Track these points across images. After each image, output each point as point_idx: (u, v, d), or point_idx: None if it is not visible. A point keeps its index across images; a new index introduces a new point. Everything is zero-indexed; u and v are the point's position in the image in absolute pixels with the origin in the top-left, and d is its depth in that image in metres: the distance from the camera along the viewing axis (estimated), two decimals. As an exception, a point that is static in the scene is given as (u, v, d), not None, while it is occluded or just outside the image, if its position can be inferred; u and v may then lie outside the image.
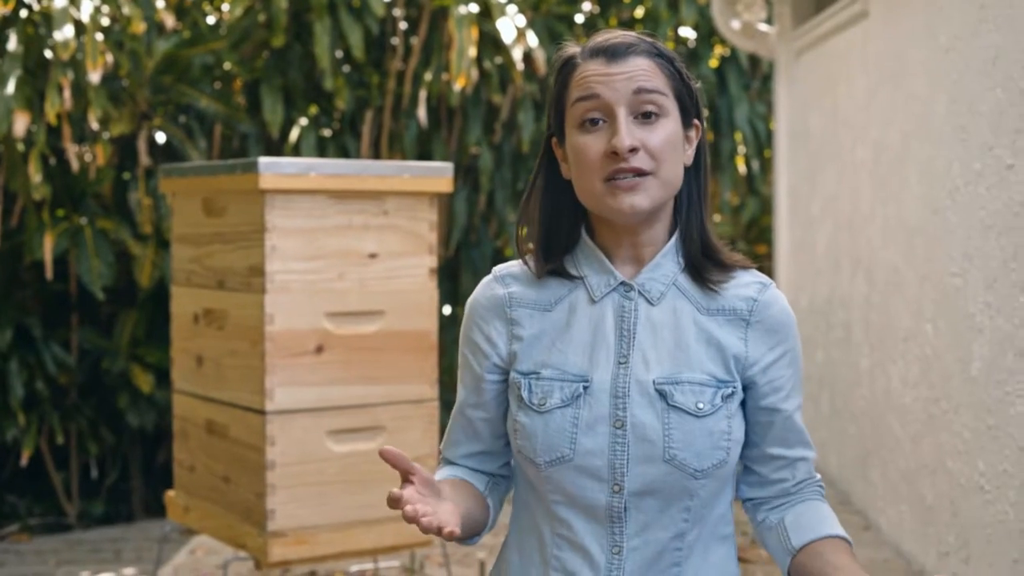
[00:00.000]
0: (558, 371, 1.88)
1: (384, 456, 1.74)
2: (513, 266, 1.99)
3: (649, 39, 1.90)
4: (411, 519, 1.69)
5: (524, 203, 1.99)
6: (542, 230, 1.95)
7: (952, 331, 4.01)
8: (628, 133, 1.83)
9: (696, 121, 1.94)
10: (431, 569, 4.75)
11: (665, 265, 1.91)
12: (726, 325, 1.89)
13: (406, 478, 1.76)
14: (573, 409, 1.85)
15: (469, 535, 1.94)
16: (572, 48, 1.93)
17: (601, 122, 1.85)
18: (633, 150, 1.82)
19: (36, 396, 6.53)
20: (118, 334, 6.67)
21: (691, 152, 1.93)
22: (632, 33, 1.90)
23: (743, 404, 1.91)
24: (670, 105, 1.87)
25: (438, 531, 1.72)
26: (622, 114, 1.84)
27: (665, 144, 1.85)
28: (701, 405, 1.84)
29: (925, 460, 4.31)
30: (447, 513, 1.76)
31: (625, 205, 1.84)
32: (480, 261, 7.59)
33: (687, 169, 1.93)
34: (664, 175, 1.85)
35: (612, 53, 1.87)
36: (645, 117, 1.85)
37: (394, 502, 1.71)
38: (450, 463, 2.03)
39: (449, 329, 7.25)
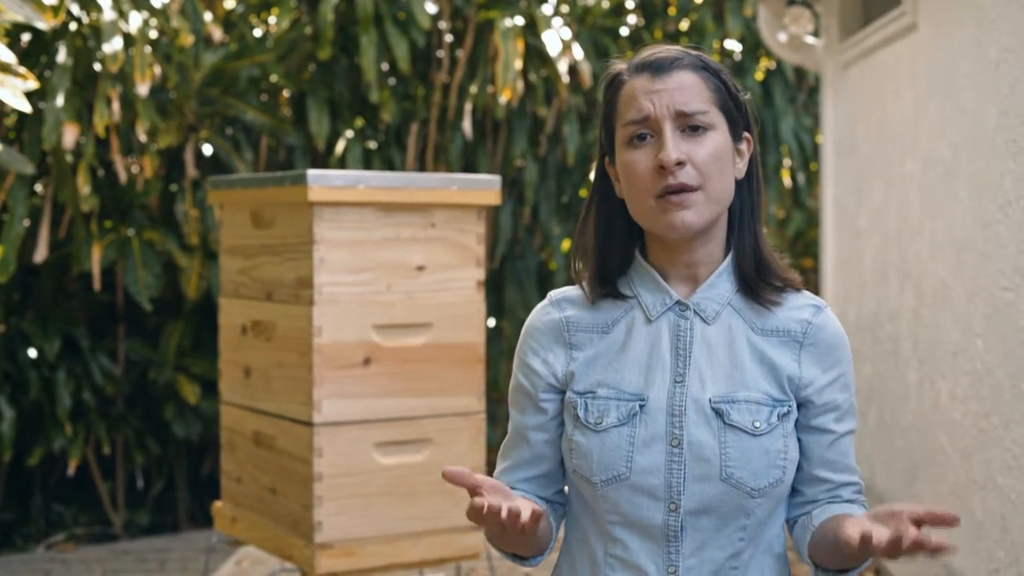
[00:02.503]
0: (614, 390, 1.87)
1: (448, 477, 1.69)
2: (568, 290, 1.99)
3: (695, 52, 1.90)
4: (492, 513, 1.65)
5: (580, 226, 1.98)
6: (596, 253, 1.95)
7: (1003, 346, 3.97)
8: (674, 147, 1.82)
9: (747, 134, 1.93)
10: (476, 582, 4.75)
11: (720, 284, 1.90)
12: (779, 346, 1.89)
13: (475, 492, 1.72)
14: (629, 428, 1.85)
15: (536, 549, 1.93)
16: (618, 65, 1.94)
17: (649, 137, 1.85)
18: (680, 163, 1.82)
19: (83, 406, 6.57)
20: (164, 345, 6.70)
21: (742, 165, 1.92)
22: (677, 47, 1.90)
23: (796, 425, 1.90)
24: (716, 119, 1.86)
25: (517, 518, 1.68)
26: (668, 128, 1.83)
27: (711, 158, 1.84)
28: (758, 424, 1.83)
29: (975, 476, 4.27)
30: (523, 504, 1.72)
31: (677, 221, 1.83)
32: (525, 274, 7.58)
33: (739, 183, 1.92)
34: (712, 190, 1.84)
35: (656, 68, 1.87)
36: (692, 130, 1.84)
37: (476, 512, 1.67)
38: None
39: (494, 342, 7.25)
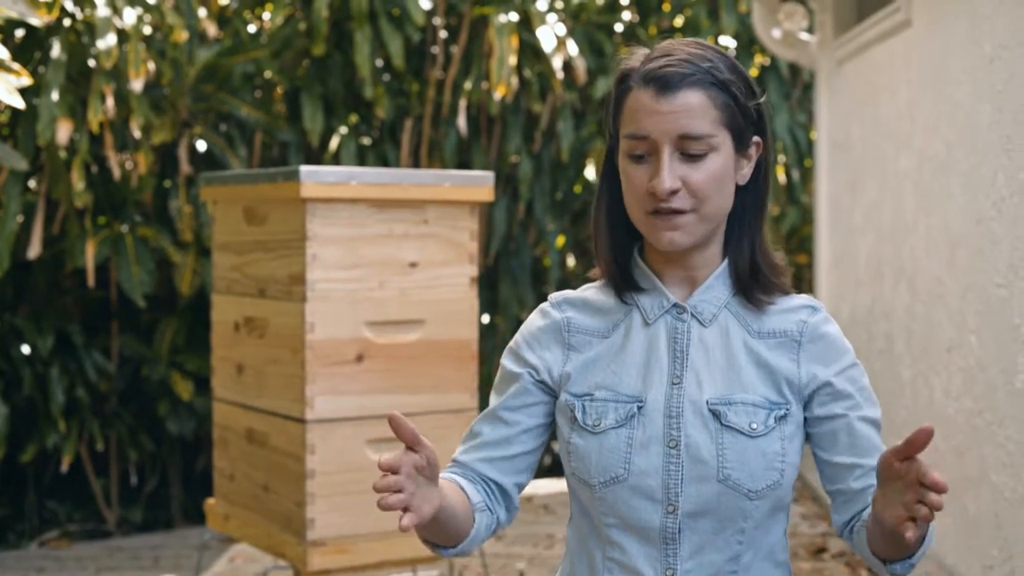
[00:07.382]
0: (612, 392, 1.87)
1: (393, 422, 1.68)
2: (568, 293, 1.99)
3: (708, 62, 1.83)
4: (382, 490, 1.67)
5: (594, 213, 1.96)
6: (609, 241, 1.94)
7: (996, 343, 3.97)
8: (669, 175, 1.80)
9: (758, 138, 1.89)
10: (470, 579, 4.74)
11: (717, 287, 1.90)
12: (777, 348, 1.88)
13: (411, 448, 1.70)
14: (627, 429, 1.84)
15: (442, 539, 1.92)
16: (632, 62, 1.88)
17: (647, 156, 1.83)
18: (673, 191, 1.81)
19: (77, 403, 6.56)
20: (158, 341, 6.69)
21: (747, 171, 1.89)
22: (690, 54, 1.84)
23: (808, 422, 1.89)
24: (720, 140, 1.83)
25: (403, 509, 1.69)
26: (666, 153, 1.81)
27: (708, 182, 1.82)
28: (755, 425, 1.83)
29: (968, 473, 4.27)
30: (422, 499, 1.72)
31: (664, 240, 1.84)
32: (519, 270, 7.58)
33: (743, 187, 1.90)
34: (705, 211, 1.83)
35: (664, 84, 1.81)
36: (693, 154, 1.81)
37: (386, 465, 1.67)
38: (459, 464, 1.98)
39: (488, 338, 7.25)
